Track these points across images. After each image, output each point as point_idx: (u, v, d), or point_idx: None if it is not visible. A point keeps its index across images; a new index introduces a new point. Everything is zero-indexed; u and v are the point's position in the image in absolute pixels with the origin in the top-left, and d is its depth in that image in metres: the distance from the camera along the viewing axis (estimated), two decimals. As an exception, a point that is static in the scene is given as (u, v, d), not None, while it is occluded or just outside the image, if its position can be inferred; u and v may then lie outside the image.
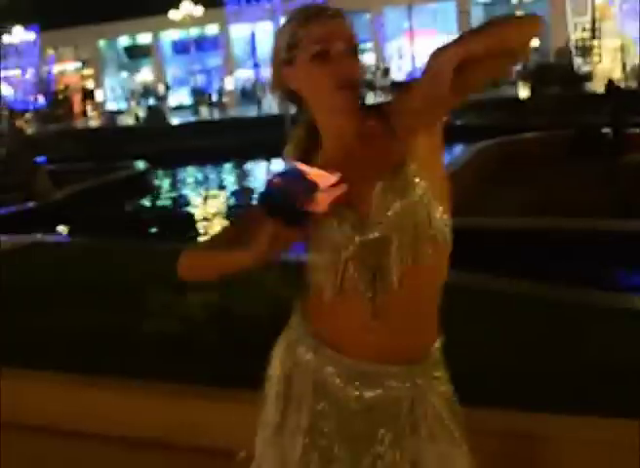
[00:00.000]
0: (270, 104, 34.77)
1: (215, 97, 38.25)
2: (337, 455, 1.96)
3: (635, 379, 3.88)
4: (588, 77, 30.33)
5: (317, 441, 1.97)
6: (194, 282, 2.08)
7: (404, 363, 1.93)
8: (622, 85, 23.49)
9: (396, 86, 35.05)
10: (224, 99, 37.06)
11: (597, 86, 25.87)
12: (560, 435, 3.30)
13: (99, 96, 44.42)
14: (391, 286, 1.86)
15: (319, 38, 1.85)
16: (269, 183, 1.67)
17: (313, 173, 1.67)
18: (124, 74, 46.10)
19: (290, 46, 1.89)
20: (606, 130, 12.95)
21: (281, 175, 1.68)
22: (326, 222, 1.85)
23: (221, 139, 24.81)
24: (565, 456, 3.28)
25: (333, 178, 1.69)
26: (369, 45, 40.16)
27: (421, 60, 38.01)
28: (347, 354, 1.94)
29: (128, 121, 34.82)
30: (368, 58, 40.26)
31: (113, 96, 45.60)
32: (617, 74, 28.23)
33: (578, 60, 34.41)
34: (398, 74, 38.25)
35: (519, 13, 27.44)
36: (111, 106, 44.27)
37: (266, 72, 37.58)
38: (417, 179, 1.83)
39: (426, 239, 1.87)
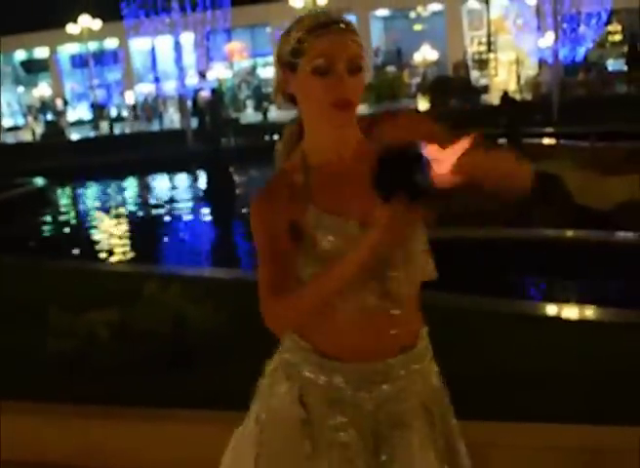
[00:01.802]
0: (172, 119, 34.58)
1: (114, 112, 37.79)
2: (359, 457, 2.01)
3: (532, 383, 3.99)
4: (485, 89, 31.10)
5: (341, 454, 2.01)
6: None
7: (401, 352, 2.03)
8: (517, 97, 24.14)
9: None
10: (138, 113, 36.64)
11: (493, 98, 26.53)
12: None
13: (-6, 111, 43.31)
14: (397, 297, 1.97)
15: (323, 53, 1.84)
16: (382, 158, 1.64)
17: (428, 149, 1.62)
18: (21, 89, 45.08)
19: (294, 52, 1.88)
20: (502, 141, 13.26)
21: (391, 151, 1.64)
22: (321, 236, 1.90)
23: (122, 155, 24.50)
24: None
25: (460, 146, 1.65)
26: (270, 58, 40.29)
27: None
28: (351, 360, 2.00)
29: (25, 137, 34.07)
30: (268, 72, 40.40)
31: (10, 111, 44.53)
32: (512, 86, 28.99)
33: (474, 73, 35.23)
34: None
35: (418, 28, 27.83)
36: (8, 122, 43.24)
37: (167, 86, 37.34)
38: None
39: (420, 254, 2.01)
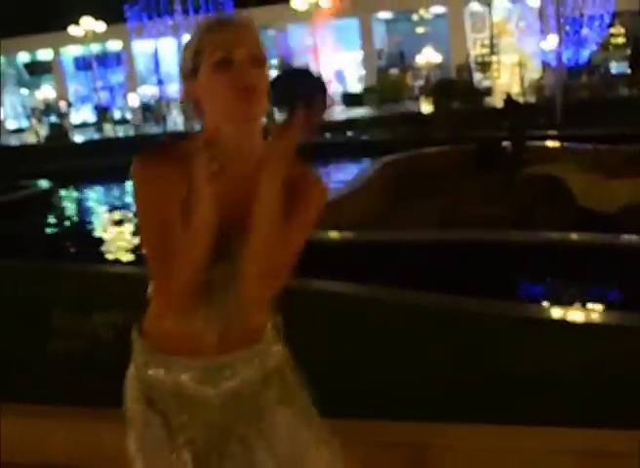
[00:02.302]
0: (175, 121, 34.58)
1: (117, 115, 37.83)
2: (207, 451, 2.07)
3: (538, 387, 3.99)
4: (488, 92, 31.10)
5: (189, 448, 2.07)
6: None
7: (246, 345, 2.06)
8: (521, 99, 24.14)
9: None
10: (146, 115, 36.63)
11: (496, 100, 26.52)
12: (460, 444, 3.37)
13: (-2, 113, 43.37)
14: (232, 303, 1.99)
15: (222, 45, 1.84)
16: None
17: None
18: (24, 91, 45.12)
19: (194, 54, 1.87)
20: (505, 143, 13.25)
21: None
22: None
23: (126, 157, 24.49)
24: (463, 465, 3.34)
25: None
26: (273, 61, 40.33)
27: (326, 76, 38.34)
28: (197, 355, 2.03)
29: (29, 139, 34.11)
30: (271, 75, 40.39)
31: (14, 113, 44.58)
32: (515, 89, 28.97)
33: (477, 76, 35.24)
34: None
35: (420, 30, 27.71)
36: (12, 124, 43.30)
37: (171, 88, 37.37)
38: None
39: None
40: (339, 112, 32.28)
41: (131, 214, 17.94)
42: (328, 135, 25.41)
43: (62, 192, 21.92)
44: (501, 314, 5.54)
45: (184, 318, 2.00)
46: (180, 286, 1.88)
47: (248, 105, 1.85)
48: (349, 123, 26.48)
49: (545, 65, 29.63)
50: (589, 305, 7.05)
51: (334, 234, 8.79)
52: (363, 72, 38.69)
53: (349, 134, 25.04)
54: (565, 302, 7.23)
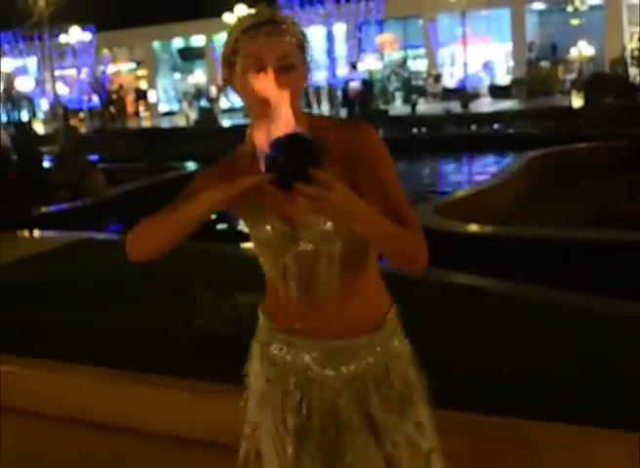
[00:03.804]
0: (321, 109, 34.90)
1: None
2: (324, 441, 2.13)
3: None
4: (644, 88, 29.92)
5: (305, 439, 2.14)
6: (144, 255, 2.10)
7: (366, 333, 2.15)
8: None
9: (447, 92, 34.86)
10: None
11: (653, 97, 25.52)
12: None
13: (151, 96, 44.86)
14: (325, 289, 2.09)
15: (253, 53, 1.97)
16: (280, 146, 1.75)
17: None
18: (177, 76, 46.51)
19: (232, 51, 2.03)
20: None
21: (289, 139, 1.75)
22: (260, 227, 2.08)
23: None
24: None
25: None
26: (421, 51, 40.07)
27: (474, 67, 37.80)
28: (317, 337, 2.13)
29: (180, 122, 35.13)
30: (419, 65, 40.16)
31: (166, 97, 46.03)
32: (673, 86, 27.80)
33: (633, 71, 33.95)
34: (450, 81, 38.09)
35: (574, 22, 26.88)
36: (164, 107, 44.69)
37: (318, 76, 37.70)
38: None
39: (348, 245, 2.06)
40: (486, 104, 31.83)
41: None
42: (474, 126, 25.11)
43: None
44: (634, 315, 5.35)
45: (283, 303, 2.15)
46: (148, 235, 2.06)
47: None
48: (496, 115, 26.06)
49: None
50: None
51: (475, 227, 8.68)
52: (512, 64, 37.94)
53: (496, 126, 24.65)
54: None
